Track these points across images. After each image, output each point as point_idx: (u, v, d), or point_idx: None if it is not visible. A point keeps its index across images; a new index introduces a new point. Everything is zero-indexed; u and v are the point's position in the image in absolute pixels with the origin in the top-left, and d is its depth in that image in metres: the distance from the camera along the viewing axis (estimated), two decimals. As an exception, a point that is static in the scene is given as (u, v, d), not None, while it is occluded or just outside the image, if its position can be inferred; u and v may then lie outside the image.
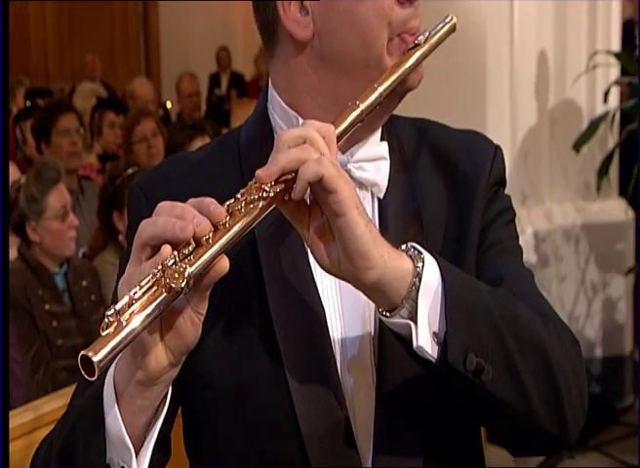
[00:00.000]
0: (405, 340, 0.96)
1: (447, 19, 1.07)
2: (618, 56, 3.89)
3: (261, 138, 1.10)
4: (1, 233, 1.31)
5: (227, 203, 0.91)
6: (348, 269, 0.93)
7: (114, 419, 0.93)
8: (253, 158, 1.07)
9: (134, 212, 1.11)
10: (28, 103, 6.36)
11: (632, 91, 3.78)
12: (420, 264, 0.95)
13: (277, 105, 1.10)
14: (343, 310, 1.06)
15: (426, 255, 0.96)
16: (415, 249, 0.97)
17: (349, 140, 1.05)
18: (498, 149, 1.17)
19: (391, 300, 0.95)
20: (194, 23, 10.55)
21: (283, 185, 0.92)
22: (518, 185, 3.90)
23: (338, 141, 0.97)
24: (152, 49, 10.66)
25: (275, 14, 1.05)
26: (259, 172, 0.91)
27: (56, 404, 2.20)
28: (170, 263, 0.86)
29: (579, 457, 3.65)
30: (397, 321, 0.95)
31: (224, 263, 0.89)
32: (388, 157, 1.09)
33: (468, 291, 0.97)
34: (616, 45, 4.17)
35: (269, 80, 1.13)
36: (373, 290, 0.95)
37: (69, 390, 2.26)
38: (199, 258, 0.87)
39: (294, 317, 1.03)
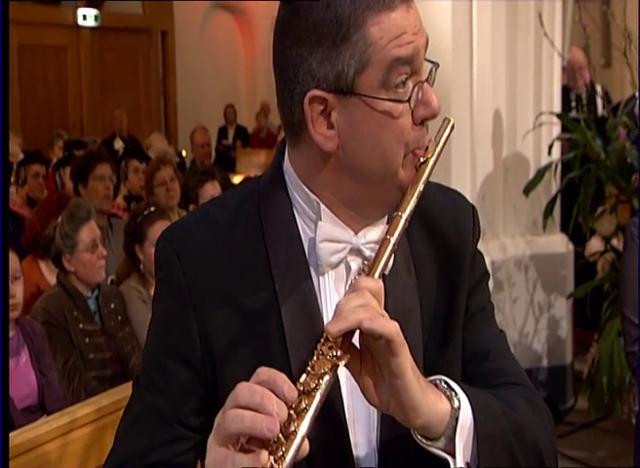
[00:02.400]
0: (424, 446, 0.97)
1: (445, 124, 1.02)
2: (559, 116, 3.91)
3: (279, 208, 1.04)
4: (1, 233, 1.25)
5: (301, 380, 0.87)
6: (397, 413, 0.92)
7: None
8: (274, 226, 1.03)
9: (166, 269, 1.03)
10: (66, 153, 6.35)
11: (571, 145, 3.80)
12: (455, 404, 0.95)
13: (296, 183, 1.03)
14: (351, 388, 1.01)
15: (460, 393, 0.96)
16: (447, 384, 0.97)
17: (362, 223, 1.02)
18: (474, 210, 1.14)
19: (431, 435, 0.95)
20: (205, 85, 10.62)
21: (347, 359, 0.88)
22: (477, 223, 3.94)
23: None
24: (170, 106, 10.69)
25: (302, 122, 0.98)
26: (328, 326, 0.87)
27: (88, 409, 2.17)
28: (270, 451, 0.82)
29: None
30: (435, 451, 0.96)
31: (306, 448, 0.85)
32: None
33: (492, 422, 0.98)
34: (557, 107, 4.19)
35: (287, 155, 1.05)
36: (417, 428, 0.95)
37: (99, 397, 2.25)
38: (289, 453, 0.83)
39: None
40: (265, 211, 1.04)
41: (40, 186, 5.27)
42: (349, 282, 1.01)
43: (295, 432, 0.83)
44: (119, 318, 2.96)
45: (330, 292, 1.02)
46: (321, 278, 1.02)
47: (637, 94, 3.42)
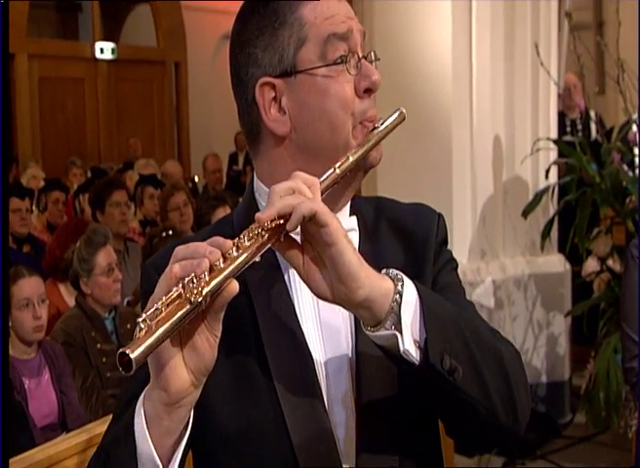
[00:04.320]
0: (387, 351, 0.95)
1: (398, 111, 1.06)
2: (555, 141, 3.92)
3: (249, 218, 1.05)
4: (1, 233, 1.26)
5: (233, 241, 0.88)
6: (341, 291, 0.91)
7: (145, 441, 0.88)
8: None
9: (149, 287, 1.04)
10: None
11: (568, 169, 3.81)
12: (399, 284, 0.94)
13: (262, 192, 1.06)
14: (324, 340, 1.03)
15: (404, 277, 0.95)
16: (393, 272, 0.95)
17: None
18: (440, 216, 1.15)
19: (377, 316, 0.92)
20: (217, 113, 10.69)
21: (279, 222, 0.89)
22: (478, 244, 3.92)
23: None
24: (183, 134, 10.77)
25: (258, 116, 1.02)
26: (258, 214, 0.89)
27: (106, 426, 2.17)
28: (189, 282, 0.83)
29: (529, 464, 3.61)
30: (383, 333, 0.93)
31: (234, 286, 0.86)
32: (357, 229, 1.07)
33: (440, 305, 0.96)
34: (554, 132, 4.21)
35: (254, 173, 1.09)
36: (362, 307, 0.92)
37: (117, 415, 2.26)
38: (213, 280, 0.84)
39: (284, 351, 1.00)
40: (239, 230, 1.05)
41: (60, 212, 5.31)
42: None
43: (219, 265, 0.85)
44: (135, 338, 2.97)
45: (300, 284, 1.01)
46: (291, 271, 1.03)
47: (634, 117, 3.44)
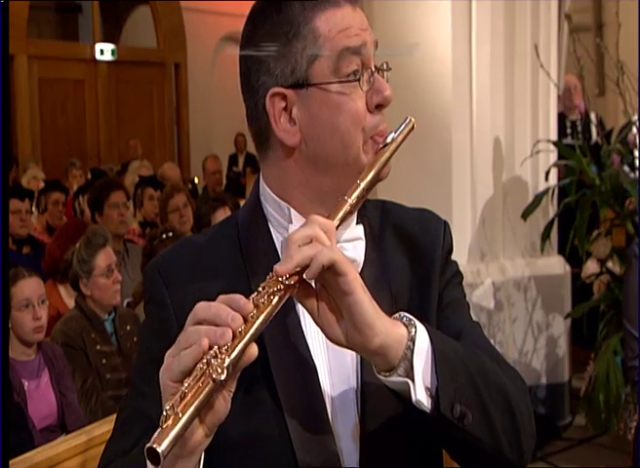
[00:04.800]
0: (398, 394, 0.95)
1: (407, 121, 1.05)
2: (555, 143, 3.92)
3: (256, 226, 1.07)
4: (1, 235, 1.26)
5: (252, 296, 0.88)
6: (356, 338, 0.91)
7: None
8: (250, 242, 1.05)
9: (152, 290, 1.07)
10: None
11: (568, 171, 3.81)
12: (412, 330, 0.94)
13: (269, 198, 1.06)
14: (331, 368, 1.03)
15: (417, 322, 0.95)
16: (406, 317, 0.96)
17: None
18: (446, 224, 1.16)
19: (390, 362, 0.93)
20: (216, 115, 10.71)
21: (297, 277, 0.89)
22: (478, 245, 3.91)
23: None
24: (183, 135, 10.77)
25: (267, 125, 1.01)
26: (276, 267, 0.89)
27: (105, 428, 2.18)
28: (212, 357, 0.83)
29: (528, 466, 3.60)
30: (395, 379, 0.93)
31: (254, 350, 0.87)
32: (364, 237, 1.07)
33: (450, 350, 0.97)
34: (554, 134, 4.21)
35: (261, 177, 1.09)
36: (376, 354, 0.93)
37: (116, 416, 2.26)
38: (235, 349, 0.85)
39: (292, 377, 1.01)
40: (244, 232, 1.07)
41: (60, 213, 5.32)
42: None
43: (241, 333, 0.85)
44: (135, 339, 2.98)
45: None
46: None
47: (634, 119, 3.44)
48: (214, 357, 0.83)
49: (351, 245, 1.05)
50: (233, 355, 0.84)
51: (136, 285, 3.45)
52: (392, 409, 1.00)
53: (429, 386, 0.94)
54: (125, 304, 3.34)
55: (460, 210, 3.85)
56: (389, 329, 0.92)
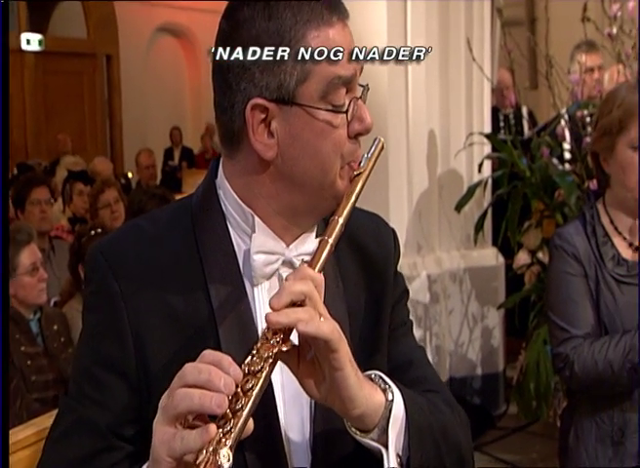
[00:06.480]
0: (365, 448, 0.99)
1: (377, 142, 1.07)
2: (488, 136, 4.00)
3: (213, 222, 1.04)
4: (1, 233, 1.24)
5: (246, 362, 0.88)
6: (336, 405, 0.94)
7: None
8: (207, 240, 1.03)
9: (98, 280, 1.02)
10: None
11: (500, 164, 3.88)
12: (390, 396, 0.99)
13: (231, 198, 1.04)
14: (284, 384, 1.04)
15: (393, 387, 1.00)
16: (381, 378, 1.00)
17: (294, 233, 1.05)
18: (394, 234, 1.19)
19: (366, 427, 0.97)
20: (151, 108, 10.57)
21: (289, 342, 0.90)
22: (414, 238, 3.96)
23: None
24: (116, 129, 10.59)
25: (242, 131, 1.00)
26: (271, 319, 0.88)
27: (29, 431, 2.13)
28: (217, 443, 0.82)
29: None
30: (369, 443, 0.98)
31: (251, 425, 0.86)
32: None
33: (421, 417, 1.01)
34: (488, 127, 4.30)
35: (221, 169, 1.06)
36: (353, 420, 0.97)
37: (41, 419, 2.21)
38: (236, 428, 0.84)
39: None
40: (200, 225, 1.04)
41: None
42: None
43: (242, 409, 0.85)
44: (62, 339, 2.92)
45: (264, 303, 1.02)
46: (255, 289, 1.03)
47: (562, 112, 3.55)
48: (217, 441, 0.82)
49: None
50: (234, 436, 0.84)
51: (63, 283, 3.39)
52: (343, 450, 1.03)
53: (400, 453, 0.99)
54: (52, 304, 3.27)
55: (397, 202, 3.89)
56: (369, 399, 0.96)
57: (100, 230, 3.29)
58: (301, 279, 0.92)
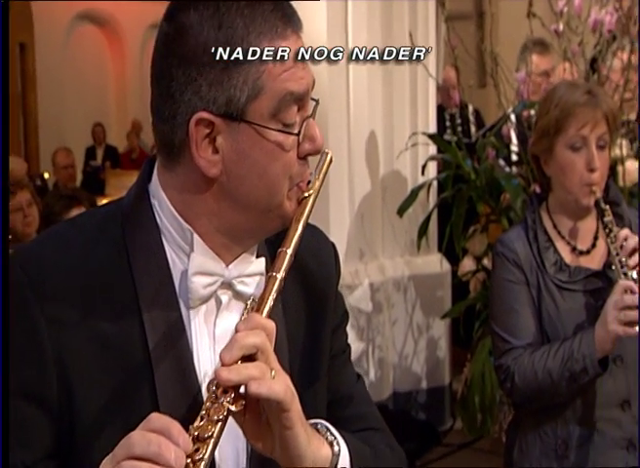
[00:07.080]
0: None
1: (324, 157, 1.07)
2: (432, 137, 4.06)
3: (147, 234, 1.03)
4: (1, 232, 1.23)
5: (195, 425, 0.88)
6: (283, 460, 0.97)
7: None
8: (141, 256, 1.02)
9: (16, 299, 0.99)
10: None
11: (444, 166, 3.93)
12: (336, 449, 1.03)
13: (167, 211, 1.03)
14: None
15: (339, 439, 1.04)
16: (328, 430, 1.04)
17: (234, 252, 1.04)
18: (335, 250, 1.20)
19: None
20: (70, 102, 10.40)
21: (242, 401, 0.90)
22: (356, 244, 4.00)
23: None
24: (30, 125, 10.36)
25: (184, 144, 0.98)
26: (222, 377, 0.88)
27: None
28: None
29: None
30: None
31: None
32: (265, 272, 1.05)
33: (364, 463, 1.08)
34: (433, 126, 4.36)
35: (156, 177, 1.04)
36: None
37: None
38: None
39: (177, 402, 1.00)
40: (131, 235, 1.03)
41: None
42: (218, 316, 1.04)
43: None
44: None
45: (199, 326, 1.02)
46: (191, 311, 1.02)
47: (509, 111, 3.63)
48: None
49: (252, 280, 1.05)
50: None
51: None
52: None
53: None
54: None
55: (338, 205, 3.91)
56: (316, 453, 1.00)
57: (9, 237, 3.24)
58: (253, 329, 0.92)
